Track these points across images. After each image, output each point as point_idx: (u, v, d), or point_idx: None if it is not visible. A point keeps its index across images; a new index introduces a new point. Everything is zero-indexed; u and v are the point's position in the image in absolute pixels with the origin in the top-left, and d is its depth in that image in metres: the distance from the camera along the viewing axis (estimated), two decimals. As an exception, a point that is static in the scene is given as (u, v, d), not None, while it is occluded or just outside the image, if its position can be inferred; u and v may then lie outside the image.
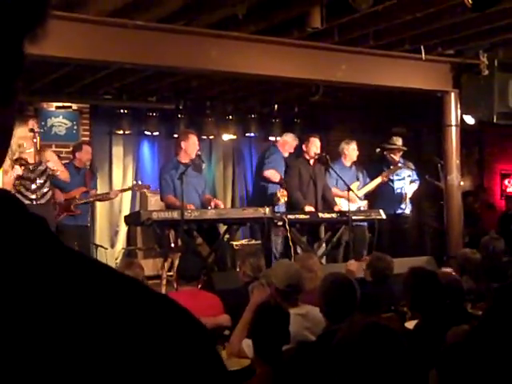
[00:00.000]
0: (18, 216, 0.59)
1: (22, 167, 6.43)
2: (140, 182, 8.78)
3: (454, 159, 7.73)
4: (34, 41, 0.60)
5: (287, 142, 8.37)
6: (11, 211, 0.59)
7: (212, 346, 0.63)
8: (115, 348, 0.55)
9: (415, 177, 8.93)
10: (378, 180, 8.59)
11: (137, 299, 0.59)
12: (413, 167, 8.90)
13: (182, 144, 7.48)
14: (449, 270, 5.85)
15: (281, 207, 7.77)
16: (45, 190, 6.64)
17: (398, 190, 8.83)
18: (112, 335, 0.55)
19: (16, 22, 0.58)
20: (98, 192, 8.68)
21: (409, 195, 8.83)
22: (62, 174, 6.82)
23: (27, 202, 6.45)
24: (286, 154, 8.32)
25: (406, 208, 8.90)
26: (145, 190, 8.90)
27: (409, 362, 2.10)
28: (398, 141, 8.98)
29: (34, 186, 6.49)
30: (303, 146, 8.13)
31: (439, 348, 2.88)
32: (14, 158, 6.42)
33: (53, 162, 6.72)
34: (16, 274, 0.55)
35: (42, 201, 6.61)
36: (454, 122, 7.70)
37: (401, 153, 8.90)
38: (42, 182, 6.61)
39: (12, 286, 0.54)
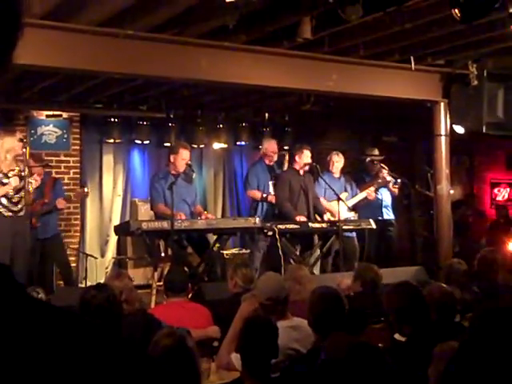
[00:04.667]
0: None
1: (19, 179, 6.32)
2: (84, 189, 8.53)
3: (444, 169, 7.74)
4: None
5: (264, 149, 8.54)
6: None
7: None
8: None
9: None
10: (365, 194, 8.61)
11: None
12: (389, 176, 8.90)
13: (172, 157, 7.52)
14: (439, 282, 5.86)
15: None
16: (23, 202, 6.51)
17: (380, 197, 8.89)
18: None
19: None
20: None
21: (386, 202, 8.92)
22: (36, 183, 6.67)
23: (10, 213, 6.37)
24: (274, 159, 8.39)
25: (390, 214, 8.97)
26: (135, 200, 8.80)
27: (395, 379, 2.09)
28: (374, 151, 9.07)
29: (17, 198, 6.41)
30: (296, 157, 8.15)
31: (428, 362, 2.88)
32: (9, 169, 6.32)
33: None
34: None
35: (22, 213, 6.48)
36: (443, 132, 7.72)
37: (379, 167, 8.90)
38: (23, 194, 6.50)
39: None
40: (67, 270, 8.07)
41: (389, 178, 8.73)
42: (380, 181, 8.75)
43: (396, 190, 8.91)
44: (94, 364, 0.58)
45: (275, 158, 8.50)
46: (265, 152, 8.51)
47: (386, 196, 8.94)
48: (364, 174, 9.05)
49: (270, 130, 10.39)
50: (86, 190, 8.16)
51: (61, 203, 7.72)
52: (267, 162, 8.46)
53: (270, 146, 8.54)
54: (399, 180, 8.83)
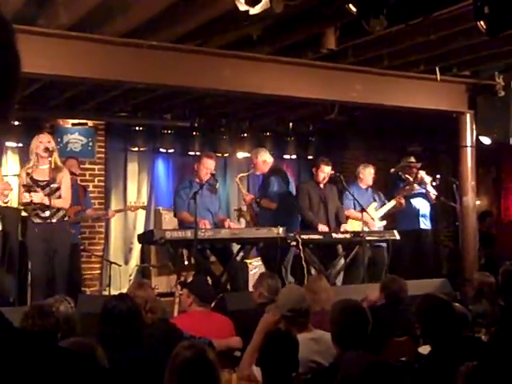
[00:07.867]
0: None
1: (31, 193, 6.21)
2: (133, 203, 8.69)
3: (470, 181, 7.65)
4: None
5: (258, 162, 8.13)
6: None
7: None
8: None
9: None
10: (393, 202, 8.52)
11: None
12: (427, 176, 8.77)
13: (196, 166, 7.52)
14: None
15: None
16: (52, 209, 6.26)
17: (417, 206, 8.76)
18: None
19: None
20: (114, 208, 8.76)
21: (423, 211, 8.80)
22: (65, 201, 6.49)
23: (39, 220, 6.29)
24: (253, 168, 8.14)
25: (427, 224, 8.85)
26: (159, 209, 8.88)
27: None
28: (410, 158, 8.95)
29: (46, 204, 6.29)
30: (313, 170, 8.10)
31: (451, 379, 2.84)
32: (23, 183, 6.24)
33: (66, 184, 6.52)
34: None
35: (54, 219, 6.30)
36: (469, 143, 7.64)
37: (417, 171, 8.78)
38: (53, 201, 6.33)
39: None
40: (80, 278, 8.14)
41: (427, 179, 8.62)
42: (408, 188, 8.64)
43: (434, 196, 8.70)
44: None
45: (254, 167, 8.16)
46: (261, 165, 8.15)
47: (423, 205, 8.78)
48: (398, 181, 8.92)
49: (294, 139, 10.38)
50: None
51: (92, 213, 8.12)
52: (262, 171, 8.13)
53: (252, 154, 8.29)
54: (438, 176, 8.72)
